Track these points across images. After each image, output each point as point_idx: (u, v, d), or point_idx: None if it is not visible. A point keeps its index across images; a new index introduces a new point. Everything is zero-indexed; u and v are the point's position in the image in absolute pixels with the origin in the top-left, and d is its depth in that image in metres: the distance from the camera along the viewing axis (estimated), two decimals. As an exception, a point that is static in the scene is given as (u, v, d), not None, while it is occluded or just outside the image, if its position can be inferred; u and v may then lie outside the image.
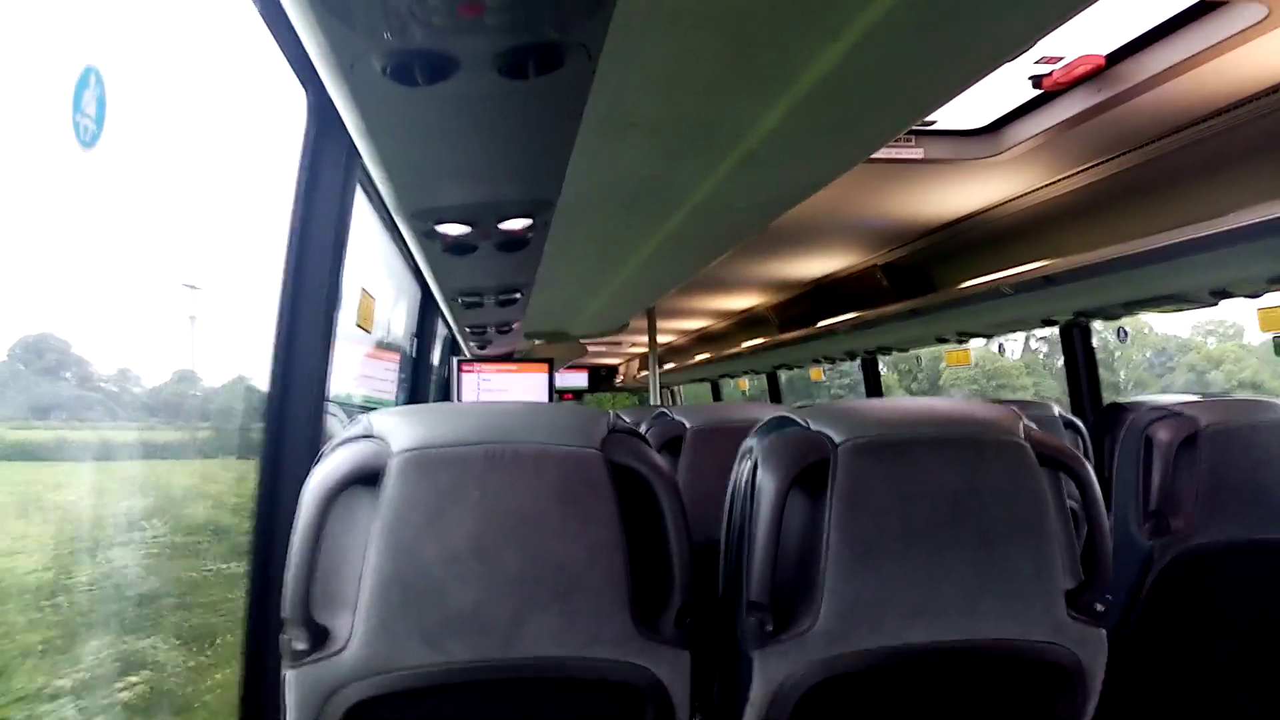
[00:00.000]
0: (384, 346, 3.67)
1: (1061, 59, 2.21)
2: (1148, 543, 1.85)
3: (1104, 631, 1.23)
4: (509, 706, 1.12)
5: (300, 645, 1.04)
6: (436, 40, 1.17)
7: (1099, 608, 1.21)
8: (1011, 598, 1.17)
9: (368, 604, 1.04)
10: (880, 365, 5.85)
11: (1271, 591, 1.85)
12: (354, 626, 1.04)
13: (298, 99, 1.86)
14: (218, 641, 1.92)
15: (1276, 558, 1.83)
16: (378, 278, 3.32)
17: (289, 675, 1.05)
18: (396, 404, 3.80)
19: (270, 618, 1.74)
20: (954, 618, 1.16)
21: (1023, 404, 2.35)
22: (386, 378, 3.49)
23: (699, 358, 8.46)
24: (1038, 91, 2.39)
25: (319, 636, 1.05)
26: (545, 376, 5.29)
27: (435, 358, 5.09)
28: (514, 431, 1.09)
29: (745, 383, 9.94)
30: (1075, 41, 2.11)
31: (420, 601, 1.04)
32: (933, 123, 2.67)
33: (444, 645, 1.04)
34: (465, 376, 5.16)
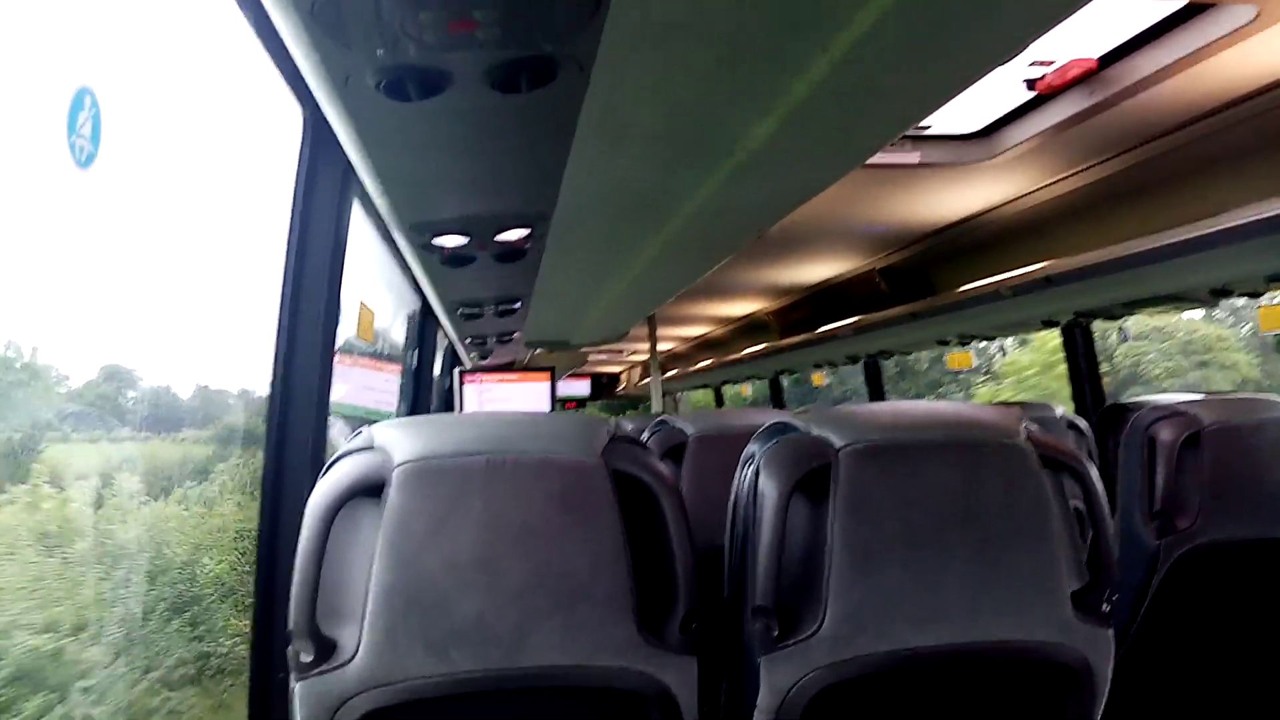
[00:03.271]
0: (384, 358, 3.67)
1: (1054, 62, 2.21)
2: (1154, 542, 1.84)
3: (1111, 631, 1.22)
4: (515, 716, 1.11)
5: (307, 657, 1.04)
6: (429, 56, 1.18)
7: (1105, 608, 1.21)
8: (1016, 600, 1.17)
9: (373, 615, 1.04)
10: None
11: (1278, 589, 1.85)
12: (360, 638, 1.04)
13: (293, 115, 1.86)
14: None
15: None
16: (377, 291, 3.32)
17: (296, 687, 1.05)
18: (398, 415, 3.80)
19: (276, 630, 1.74)
20: (959, 621, 1.16)
21: (1025, 405, 2.35)
22: (387, 389, 3.49)
23: (701, 364, 8.45)
24: (1031, 94, 2.39)
25: (325, 648, 1.05)
26: (547, 385, 5.29)
27: (436, 369, 5.09)
28: (515, 441, 1.09)
29: (748, 388, 9.93)
30: (1067, 44, 2.11)
31: (425, 612, 1.04)
32: (927, 127, 2.67)
33: (449, 656, 1.05)
34: (467, 387, 5.16)
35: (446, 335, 4.68)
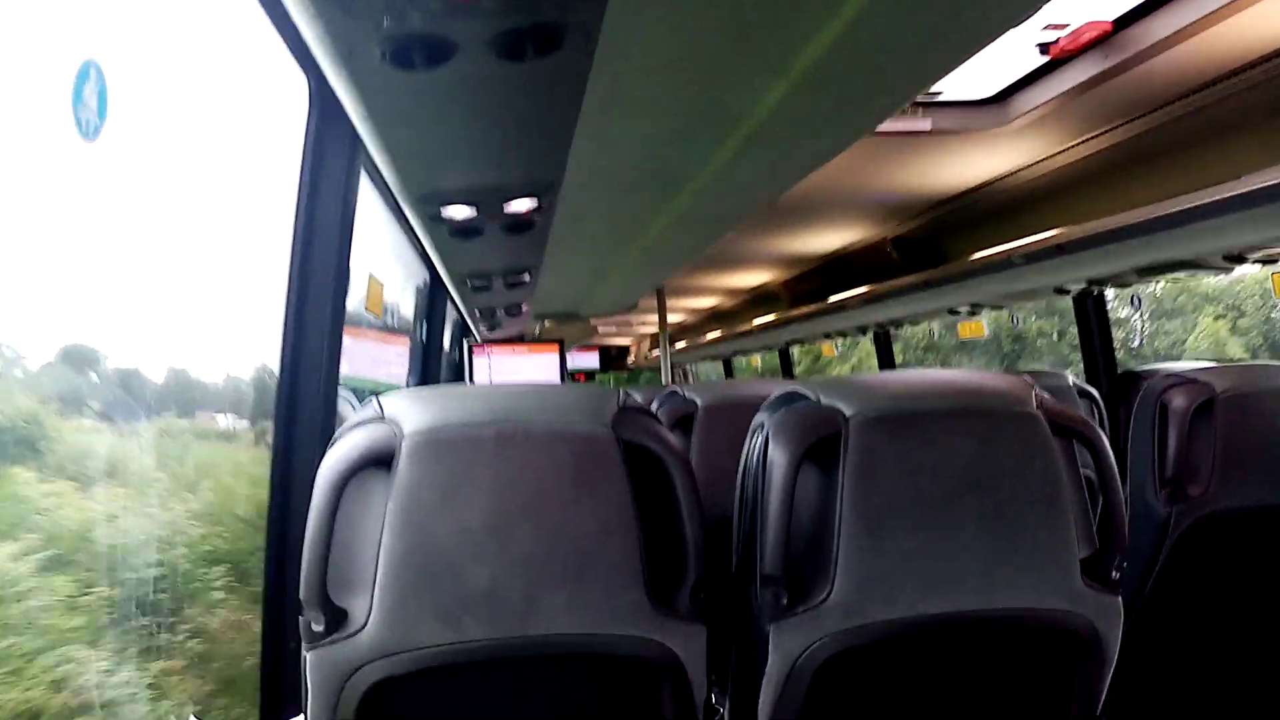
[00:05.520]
0: (394, 330, 3.68)
1: (1068, 25, 2.17)
2: (1164, 510, 1.84)
3: (1120, 599, 1.22)
4: (525, 684, 1.12)
5: (318, 626, 1.05)
6: (434, 24, 1.17)
7: (1114, 575, 1.21)
8: (1026, 567, 1.17)
9: (383, 585, 1.05)
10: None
11: None
12: (371, 607, 1.05)
13: (299, 86, 1.86)
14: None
15: None
16: (386, 263, 3.32)
17: (309, 656, 1.07)
18: (407, 387, 3.81)
19: (288, 600, 1.76)
20: (969, 588, 1.16)
21: (1036, 373, 2.35)
22: (397, 361, 3.50)
23: (710, 336, 8.44)
24: (1045, 59, 2.35)
25: (337, 617, 1.06)
26: (556, 357, 5.30)
27: (446, 341, 5.10)
28: (525, 412, 1.09)
29: (758, 359, 9.88)
30: (1081, 7, 2.08)
31: (435, 581, 1.05)
32: (939, 93, 2.64)
33: (460, 624, 1.05)
34: (477, 359, 5.18)
35: (456, 307, 4.68)
